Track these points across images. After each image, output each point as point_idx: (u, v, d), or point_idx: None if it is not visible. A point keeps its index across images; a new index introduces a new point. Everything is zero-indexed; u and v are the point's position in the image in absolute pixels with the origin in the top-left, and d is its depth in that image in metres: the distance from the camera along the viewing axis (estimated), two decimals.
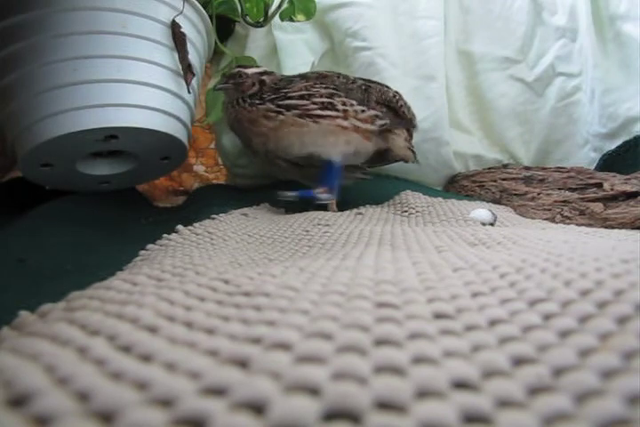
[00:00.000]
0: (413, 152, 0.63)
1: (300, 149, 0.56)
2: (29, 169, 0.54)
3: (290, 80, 0.58)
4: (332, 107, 0.55)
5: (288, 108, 0.55)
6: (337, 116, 0.55)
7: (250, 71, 0.56)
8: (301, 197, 0.56)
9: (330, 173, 0.57)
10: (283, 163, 0.58)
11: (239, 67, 0.57)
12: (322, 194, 0.57)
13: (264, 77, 0.57)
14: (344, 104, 0.56)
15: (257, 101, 0.56)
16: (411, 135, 0.64)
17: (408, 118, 0.63)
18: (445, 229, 0.41)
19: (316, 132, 0.55)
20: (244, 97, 0.56)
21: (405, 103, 0.63)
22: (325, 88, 0.56)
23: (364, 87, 0.59)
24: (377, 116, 0.57)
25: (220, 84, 0.57)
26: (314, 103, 0.55)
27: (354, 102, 0.56)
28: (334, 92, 0.56)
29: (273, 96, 0.55)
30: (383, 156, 0.61)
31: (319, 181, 0.58)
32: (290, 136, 0.55)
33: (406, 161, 0.63)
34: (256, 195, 0.65)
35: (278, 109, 0.55)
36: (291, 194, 0.56)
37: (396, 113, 0.61)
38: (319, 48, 0.79)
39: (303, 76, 0.58)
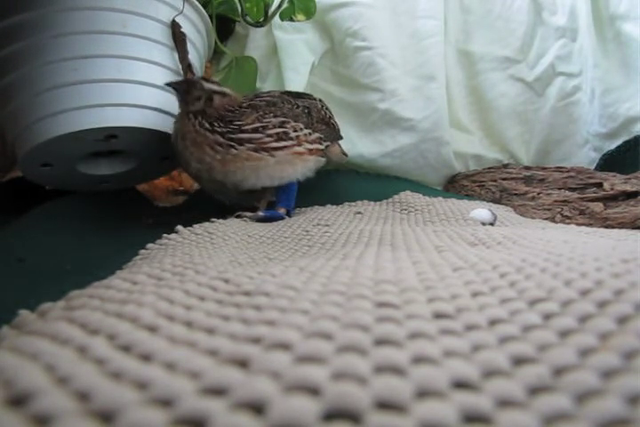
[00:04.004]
0: (345, 154, 0.68)
1: (255, 182, 0.55)
2: (29, 169, 0.53)
3: (240, 111, 0.55)
4: (287, 136, 0.55)
5: (241, 142, 0.53)
6: (292, 145, 0.55)
7: (206, 85, 0.53)
8: (267, 217, 0.54)
9: (289, 193, 0.58)
10: (232, 192, 0.57)
11: (204, 79, 0.55)
12: (283, 213, 0.56)
13: (215, 97, 0.54)
14: (295, 130, 0.56)
15: (207, 126, 0.53)
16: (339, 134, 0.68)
17: (337, 129, 0.66)
18: (445, 229, 0.41)
19: (273, 165, 0.54)
20: (193, 113, 0.53)
21: (332, 114, 0.66)
22: (275, 117, 0.55)
23: (306, 111, 0.60)
24: (321, 138, 0.60)
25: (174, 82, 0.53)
26: (268, 135, 0.54)
27: (302, 126, 0.57)
28: (285, 119, 0.56)
29: (224, 129, 0.53)
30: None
31: (277, 201, 0.58)
32: (244, 171, 0.53)
33: (338, 162, 0.68)
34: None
35: (230, 143, 0.52)
36: (252, 214, 0.54)
37: (328, 125, 0.64)
38: (319, 48, 0.79)
39: (253, 106, 0.56)
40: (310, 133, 0.58)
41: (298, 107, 0.59)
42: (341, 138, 0.67)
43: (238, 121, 0.54)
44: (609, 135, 0.84)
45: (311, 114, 0.60)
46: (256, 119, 0.54)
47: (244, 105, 0.56)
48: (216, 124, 0.53)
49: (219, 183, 0.55)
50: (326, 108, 0.65)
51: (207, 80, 0.55)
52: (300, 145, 0.56)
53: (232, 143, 0.53)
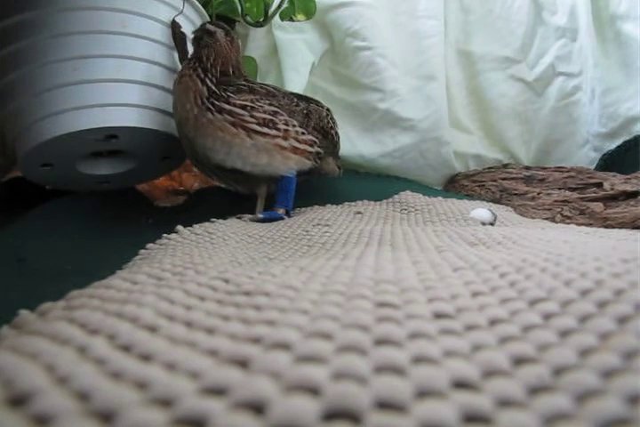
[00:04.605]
0: (339, 167, 0.64)
1: (224, 158, 0.53)
2: (30, 169, 0.54)
3: (238, 87, 0.54)
4: (273, 125, 0.53)
5: (221, 111, 0.52)
6: (276, 136, 0.53)
7: (207, 25, 0.55)
8: (266, 218, 0.53)
9: (287, 193, 0.56)
10: (204, 162, 0.55)
11: (212, 22, 0.56)
12: (282, 213, 0.55)
13: (204, 36, 0.54)
14: (286, 124, 0.54)
15: (200, 73, 0.53)
16: (337, 149, 0.65)
17: (335, 142, 0.63)
18: (445, 229, 0.41)
19: (249, 148, 0.52)
20: (192, 56, 0.55)
21: (335, 126, 0.63)
22: (270, 105, 0.54)
23: (305, 111, 0.58)
24: (314, 142, 0.57)
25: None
26: (252, 117, 0.52)
27: (295, 123, 0.55)
28: (278, 110, 0.54)
29: (212, 88, 0.52)
30: (310, 172, 0.59)
31: (276, 201, 0.56)
32: (215, 141, 0.52)
33: (330, 175, 0.64)
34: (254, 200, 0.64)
35: (209, 106, 0.52)
36: (252, 216, 0.53)
37: (326, 136, 0.61)
38: (319, 48, 0.79)
39: (252, 89, 0.55)
40: (303, 133, 0.56)
41: (298, 105, 0.58)
42: (336, 153, 0.64)
43: (231, 93, 0.53)
44: (609, 135, 0.84)
45: (310, 117, 0.59)
46: (249, 100, 0.53)
47: (244, 83, 0.55)
48: (210, 75, 0.53)
49: (190, 143, 0.54)
50: (331, 119, 0.63)
51: (213, 23, 0.56)
52: (285, 139, 0.54)
53: (211, 107, 0.52)
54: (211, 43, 0.54)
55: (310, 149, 0.57)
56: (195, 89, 0.52)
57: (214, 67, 0.54)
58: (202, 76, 0.53)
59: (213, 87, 0.53)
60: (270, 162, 0.54)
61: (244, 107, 0.53)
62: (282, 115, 0.55)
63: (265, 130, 0.53)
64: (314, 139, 0.57)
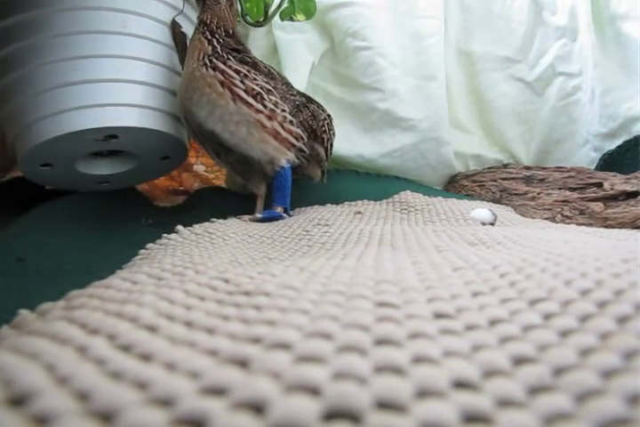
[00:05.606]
0: (323, 172, 0.62)
1: (206, 117, 0.52)
2: (29, 169, 0.54)
3: (243, 57, 0.55)
4: (261, 99, 0.52)
5: (215, 68, 0.52)
6: (260, 111, 0.52)
7: None
8: (266, 218, 0.53)
9: (284, 190, 0.55)
10: (188, 119, 0.55)
11: None
12: (280, 212, 0.54)
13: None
14: (275, 104, 0.53)
15: (207, 35, 0.54)
16: (327, 155, 0.62)
17: (325, 148, 0.61)
18: (445, 229, 0.41)
19: (231, 114, 0.52)
20: (201, 25, 0.56)
21: (330, 132, 0.62)
22: (266, 83, 0.54)
23: (297, 103, 0.57)
24: (300, 136, 0.56)
25: None
26: (243, 83, 0.52)
27: (286, 108, 0.54)
28: (272, 90, 0.54)
29: (217, 48, 0.54)
30: (293, 170, 0.57)
31: (272, 200, 0.55)
32: (201, 98, 0.52)
33: (312, 179, 0.62)
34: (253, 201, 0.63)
35: (206, 62, 0.52)
36: (251, 217, 0.53)
37: (316, 139, 0.59)
38: (319, 48, 0.79)
39: (254, 64, 0.55)
40: (292, 122, 0.55)
41: (293, 95, 0.58)
42: (320, 164, 0.61)
43: (232, 59, 0.54)
44: (609, 135, 0.84)
45: (300, 110, 0.57)
46: (245, 70, 0.54)
47: (252, 56, 0.57)
48: (217, 36, 0.55)
49: (178, 98, 0.55)
50: (327, 124, 0.61)
51: None
52: (269, 119, 0.53)
53: (207, 63, 0.53)
54: (212, 4, 0.56)
55: (293, 141, 0.55)
56: (200, 48, 0.54)
57: (219, 28, 0.56)
58: (209, 37, 0.55)
59: (219, 48, 0.54)
60: (247, 138, 0.53)
61: (238, 72, 0.53)
62: (274, 95, 0.54)
63: (251, 100, 0.52)
64: (300, 133, 0.56)
